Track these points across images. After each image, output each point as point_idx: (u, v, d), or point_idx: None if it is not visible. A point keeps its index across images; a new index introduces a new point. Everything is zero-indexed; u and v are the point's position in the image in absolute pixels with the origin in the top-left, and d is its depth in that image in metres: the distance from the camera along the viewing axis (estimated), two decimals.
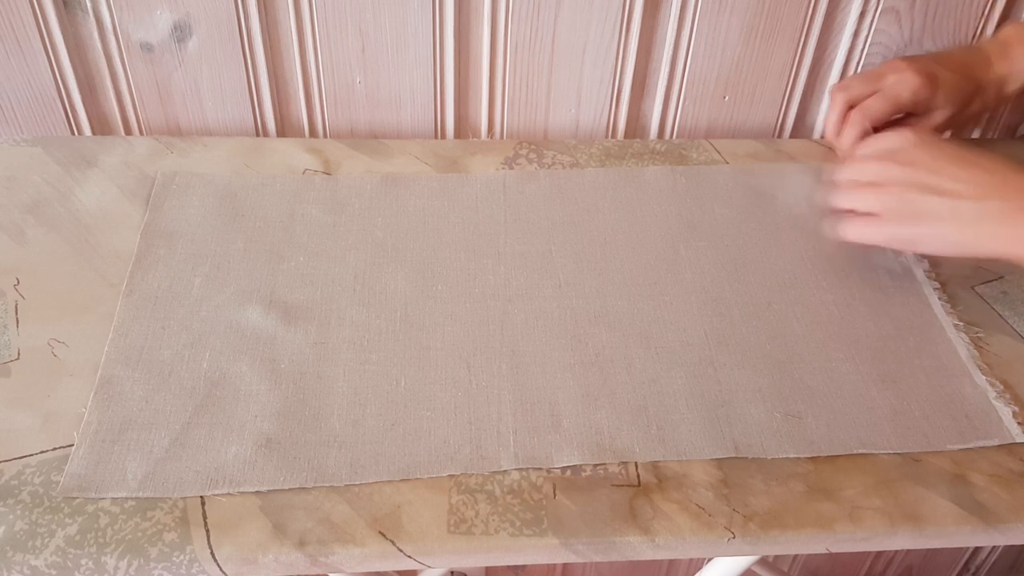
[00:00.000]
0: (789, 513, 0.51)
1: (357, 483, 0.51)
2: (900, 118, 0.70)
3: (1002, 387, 0.58)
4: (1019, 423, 0.56)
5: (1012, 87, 0.69)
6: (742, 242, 0.68)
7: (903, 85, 0.67)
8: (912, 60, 0.68)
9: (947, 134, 0.74)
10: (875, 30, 0.76)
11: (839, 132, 0.69)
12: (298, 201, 0.69)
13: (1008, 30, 0.71)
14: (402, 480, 0.51)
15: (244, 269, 0.63)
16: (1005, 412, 0.56)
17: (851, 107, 0.69)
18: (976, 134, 0.86)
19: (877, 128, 0.68)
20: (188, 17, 0.71)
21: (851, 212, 0.63)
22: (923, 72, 0.67)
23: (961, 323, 0.62)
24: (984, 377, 0.58)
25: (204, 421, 0.54)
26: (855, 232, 0.62)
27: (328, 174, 0.71)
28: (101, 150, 0.72)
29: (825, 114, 0.72)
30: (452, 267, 0.64)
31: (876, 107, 0.68)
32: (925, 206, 0.57)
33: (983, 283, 0.66)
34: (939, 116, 0.69)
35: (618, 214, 0.69)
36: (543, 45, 0.75)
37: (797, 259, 0.66)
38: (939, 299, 0.63)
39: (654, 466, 0.53)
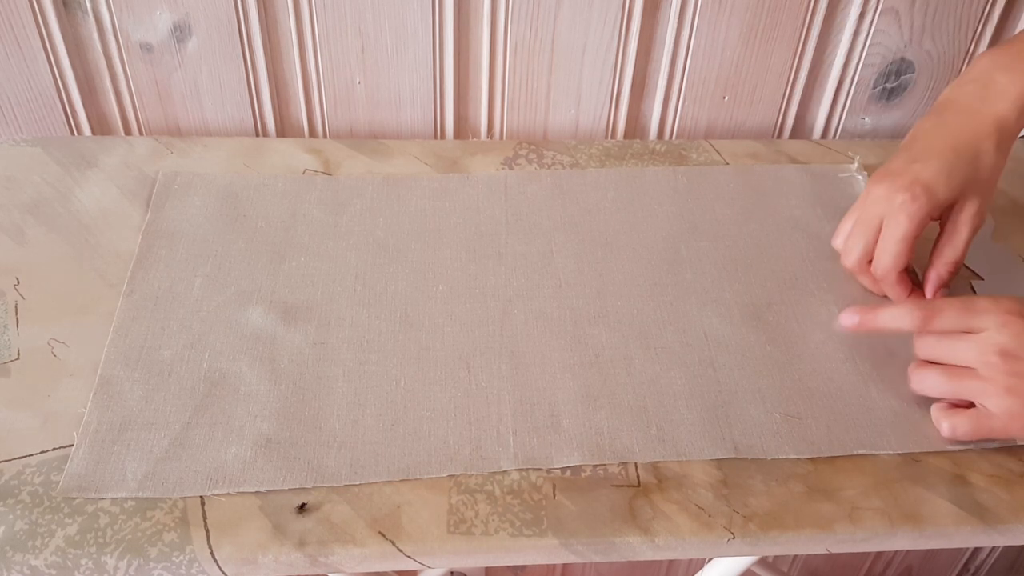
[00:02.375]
0: (789, 514, 0.51)
1: (357, 483, 0.51)
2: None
3: None
4: None
5: (1021, 122, 0.60)
6: (742, 243, 0.68)
7: (896, 217, 0.58)
8: (886, 177, 0.60)
9: None
10: (875, 30, 0.77)
11: (879, 288, 0.63)
12: (299, 201, 0.69)
13: (981, 62, 0.61)
14: (402, 480, 0.51)
15: (245, 269, 0.63)
16: None
17: (869, 261, 0.62)
18: None
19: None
20: (188, 17, 0.71)
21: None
22: (903, 187, 0.58)
23: None
24: None
25: (204, 421, 0.54)
26: (961, 431, 0.54)
27: (328, 174, 0.71)
28: (101, 150, 0.72)
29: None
30: (452, 267, 0.64)
31: (891, 259, 0.59)
32: None
33: (981, 279, 0.66)
34: (969, 206, 0.59)
35: (619, 215, 0.69)
36: (543, 45, 0.75)
37: (797, 260, 0.66)
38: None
39: (654, 466, 0.53)
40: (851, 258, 0.62)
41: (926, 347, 0.56)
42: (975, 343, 0.53)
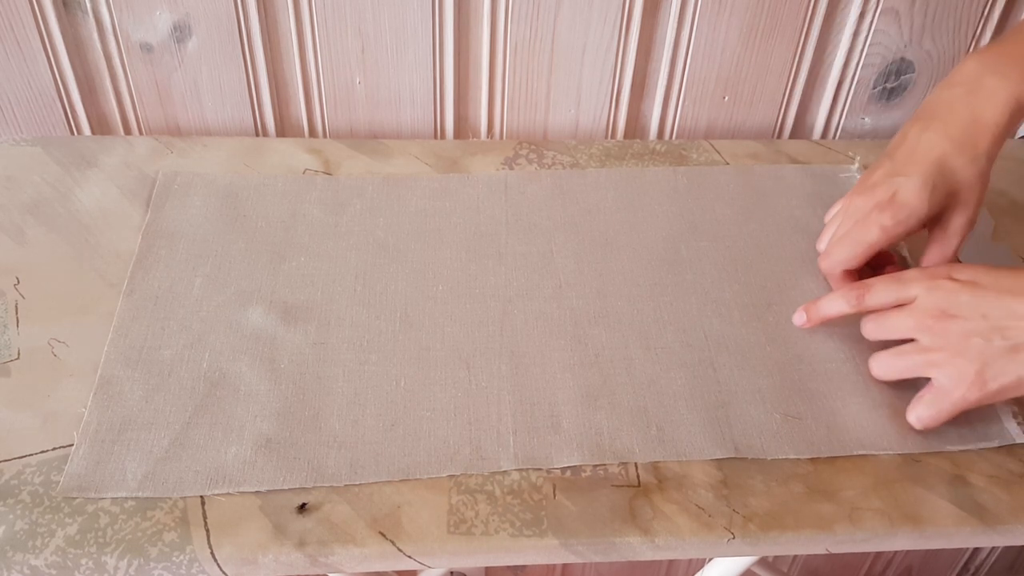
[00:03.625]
0: (789, 514, 0.51)
1: (357, 483, 0.51)
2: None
3: None
4: (1019, 424, 0.56)
5: (1013, 125, 0.58)
6: (743, 243, 0.68)
7: (880, 233, 0.58)
8: (866, 191, 0.59)
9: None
10: (875, 30, 0.77)
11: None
12: (299, 201, 0.69)
13: (968, 64, 0.60)
14: (402, 480, 0.51)
15: (245, 269, 0.63)
16: (1005, 412, 0.56)
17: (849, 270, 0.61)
18: None
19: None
20: (188, 17, 0.71)
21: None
22: (884, 205, 0.58)
23: None
24: None
25: (204, 421, 0.54)
26: (926, 418, 0.54)
27: (328, 174, 0.71)
28: (101, 150, 0.72)
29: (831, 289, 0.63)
30: (453, 267, 0.64)
31: (841, 255, 0.60)
32: (996, 354, 0.51)
33: None
34: (958, 220, 0.59)
35: (619, 215, 0.69)
36: (543, 45, 0.75)
37: (798, 260, 0.66)
38: None
39: (654, 467, 0.53)
40: (827, 263, 0.62)
41: (869, 330, 0.57)
42: (909, 311, 0.54)
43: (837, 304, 0.58)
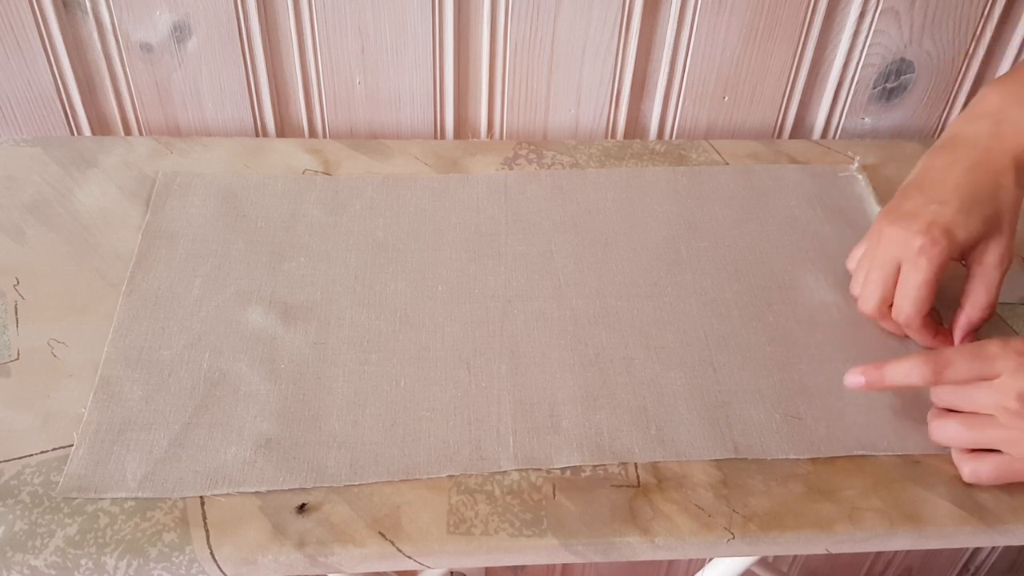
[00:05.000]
0: (789, 514, 0.51)
1: (357, 483, 0.51)
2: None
3: None
4: None
5: None
6: (743, 243, 0.68)
7: (922, 262, 0.56)
8: (901, 218, 0.58)
9: None
10: (875, 30, 0.76)
11: (902, 333, 0.60)
12: (299, 201, 0.69)
13: (990, 96, 0.59)
14: (402, 480, 0.51)
15: (244, 269, 0.63)
16: None
17: (889, 305, 0.59)
18: None
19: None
20: (188, 17, 0.71)
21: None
22: (922, 231, 0.56)
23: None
24: None
25: (204, 421, 0.54)
26: (984, 476, 0.52)
27: (328, 174, 0.71)
28: (101, 150, 0.72)
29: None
30: (452, 268, 0.64)
31: (914, 306, 0.57)
32: None
33: None
34: (994, 252, 0.57)
35: (619, 215, 0.69)
36: (543, 45, 0.75)
37: (797, 260, 0.66)
38: None
39: (654, 467, 0.53)
40: (869, 305, 0.59)
41: (942, 396, 0.54)
42: (992, 390, 0.51)
43: (909, 376, 0.52)
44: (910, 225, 0.57)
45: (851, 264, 0.64)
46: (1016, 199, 0.57)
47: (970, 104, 0.60)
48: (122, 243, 0.64)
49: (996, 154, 0.57)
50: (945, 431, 0.53)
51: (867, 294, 0.59)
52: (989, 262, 0.57)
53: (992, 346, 0.51)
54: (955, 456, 0.53)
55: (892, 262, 0.58)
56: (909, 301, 0.57)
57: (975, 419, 0.52)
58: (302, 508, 0.50)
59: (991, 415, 0.51)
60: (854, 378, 0.54)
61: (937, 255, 0.56)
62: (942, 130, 0.86)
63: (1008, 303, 0.64)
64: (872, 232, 0.61)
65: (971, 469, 0.52)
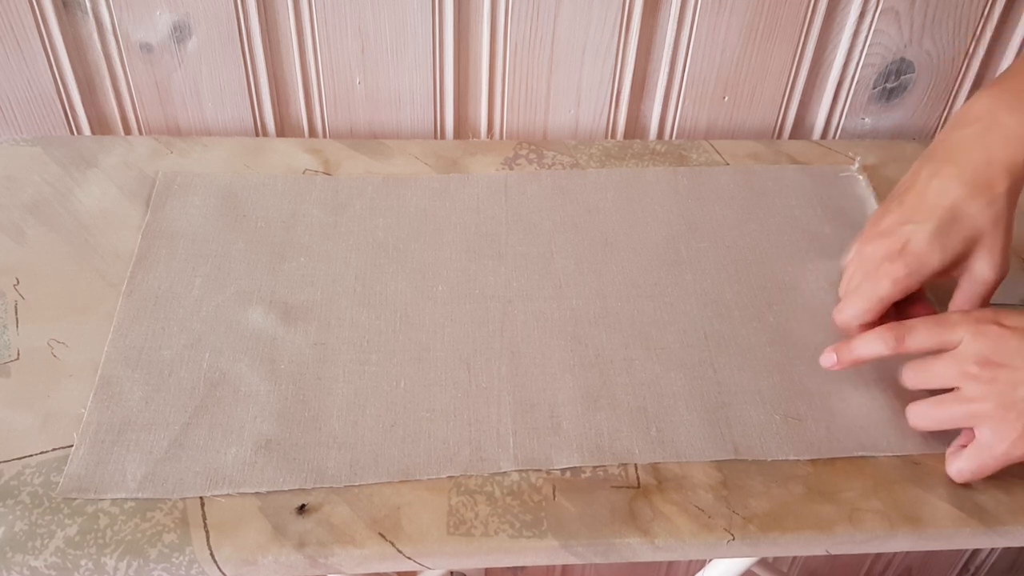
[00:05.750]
0: (789, 515, 0.51)
1: (357, 484, 0.51)
2: None
3: None
4: None
5: None
6: (743, 243, 0.67)
7: (892, 286, 0.56)
8: (876, 238, 0.57)
9: None
10: (875, 30, 0.76)
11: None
12: (299, 201, 0.68)
13: (980, 102, 0.57)
14: (402, 481, 0.51)
15: (244, 269, 0.63)
16: None
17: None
18: None
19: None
20: (188, 17, 0.71)
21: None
22: (893, 256, 0.56)
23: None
24: None
25: (204, 422, 0.54)
26: (964, 471, 0.52)
27: (328, 174, 0.71)
28: (101, 150, 0.72)
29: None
30: (452, 268, 0.64)
31: (853, 312, 0.58)
32: None
33: None
34: (982, 265, 0.56)
35: (619, 215, 0.69)
36: (543, 45, 0.75)
37: (797, 261, 0.66)
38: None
39: (654, 468, 0.53)
40: (847, 321, 0.59)
41: (909, 379, 0.54)
42: (952, 357, 0.51)
43: (874, 345, 0.54)
44: (882, 245, 0.57)
45: (842, 263, 0.63)
46: (1006, 209, 0.55)
47: (960, 109, 0.58)
48: (122, 243, 0.64)
49: (983, 165, 0.55)
50: (915, 415, 0.54)
51: (844, 308, 0.59)
52: (975, 277, 0.56)
53: (953, 315, 0.53)
54: (946, 461, 0.53)
55: (868, 283, 0.57)
56: (852, 303, 0.58)
57: (941, 398, 0.52)
58: (302, 509, 0.50)
59: (956, 388, 0.51)
60: (827, 357, 0.56)
61: (903, 279, 0.56)
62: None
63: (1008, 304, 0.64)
64: (856, 245, 0.60)
65: (955, 469, 0.52)
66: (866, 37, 0.77)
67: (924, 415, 0.53)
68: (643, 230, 0.68)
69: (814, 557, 1.23)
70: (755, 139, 0.80)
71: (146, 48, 0.73)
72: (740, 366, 0.59)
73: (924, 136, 0.85)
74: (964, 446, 0.52)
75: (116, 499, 0.50)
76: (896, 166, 0.75)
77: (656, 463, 0.53)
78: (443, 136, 0.80)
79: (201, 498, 0.50)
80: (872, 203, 0.71)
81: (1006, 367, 0.49)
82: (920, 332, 0.53)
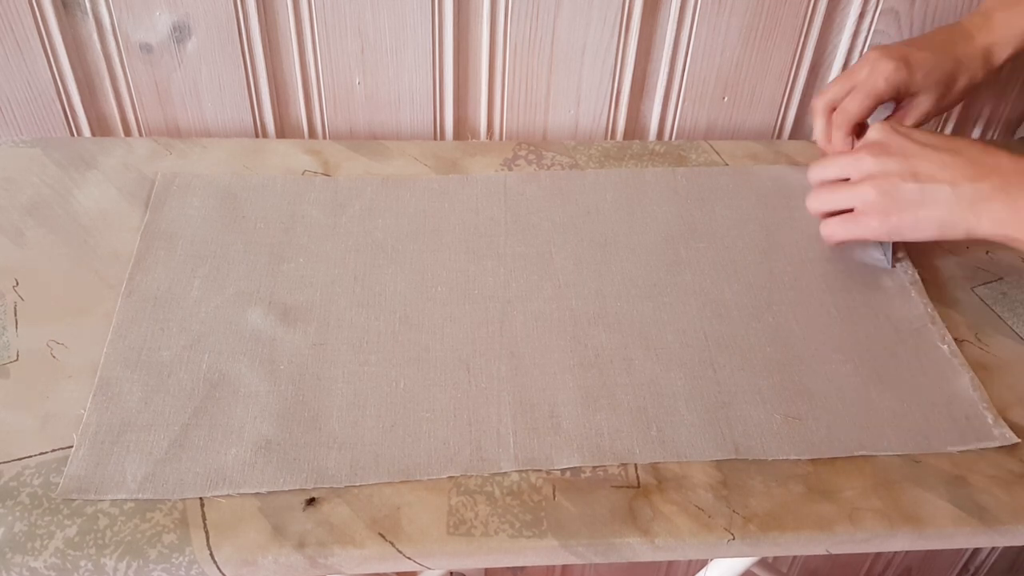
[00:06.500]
0: (789, 514, 0.51)
1: (357, 484, 0.51)
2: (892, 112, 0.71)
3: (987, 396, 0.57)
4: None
5: (999, 57, 0.68)
6: (742, 244, 0.67)
7: (876, 74, 0.67)
8: (885, 48, 0.68)
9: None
10: (874, 31, 0.76)
11: (829, 138, 0.70)
12: (298, 202, 0.68)
13: (988, 1, 0.70)
14: (402, 481, 0.51)
15: (244, 270, 0.63)
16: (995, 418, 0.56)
17: (833, 110, 0.69)
18: (976, 134, 0.86)
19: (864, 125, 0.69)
20: (187, 18, 0.71)
21: (833, 213, 0.64)
22: (895, 57, 0.67)
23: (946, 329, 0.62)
24: (971, 379, 0.58)
25: (203, 422, 0.53)
26: (836, 232, 0.63)
27: (327, 175, 0.71)
28: (100, 151, 0.72)
29: (813, 126, 0.73)
30: (452, 269, 0.64)
31: (854, 105, 0.68)
32: (901, 194, 0.58)
33: (983, 284, 0.66)
34: (925, 101, 0.68)
35: (618, 216, 0.69)
36: (542, 46, 0.75)
37: (797, 261, 0.66)
38: (924, 305, 0.63)
39: (654, 467, 0.53)
40: (823, 97, 0.70)
41: (817, 172, 0.65)
42: (853, 151, 0.62)
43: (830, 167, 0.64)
44: (887, 51, 0.67)
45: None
46: (970, 82, 0.68)
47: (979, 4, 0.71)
48: (121, 244, 0.64)
49: (973, 43, 0.68)
50: (812, 199, 0.65)
51: (827, 87, 0.70)
52: (911, 107, 0.69)
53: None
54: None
55: (857, 71, 0.68)
56: (853, 102, 0.68)
57: (838, 184, 0.63)
58: (311, 502, 0.50)
59: (849, 178, 0.62)
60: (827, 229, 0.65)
61: (895, 79, 0.66)
62: (942, 131, 0.86)
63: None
64: (861, 58, 0.72)
65: (828, 230, 0.64)
66: (866, 37, 0.77)
67: (819, 198, 0.64)
68: (642, 230, 0.68)
69: (814, 557, 1.23)
70: (755, 140, 0.80)
71: (146, 48, 0.73)
72: (740, 366, 0.59)
73: None
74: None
75: (116, 500, 0.50)
76: None
77: (656, 463, 0.53)
78: (442, 137, 0.80)
79: (201, 499, 0.50)
80: None
81: (888, 154, 0.60)
82: (843, 112, 0.68)
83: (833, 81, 0.70)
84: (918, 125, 0.69)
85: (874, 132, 0.62)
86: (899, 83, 0.67)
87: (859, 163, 0.61)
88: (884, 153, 0.60)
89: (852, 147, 0.68)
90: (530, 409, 0.55)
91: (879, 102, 0.68)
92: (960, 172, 0.57)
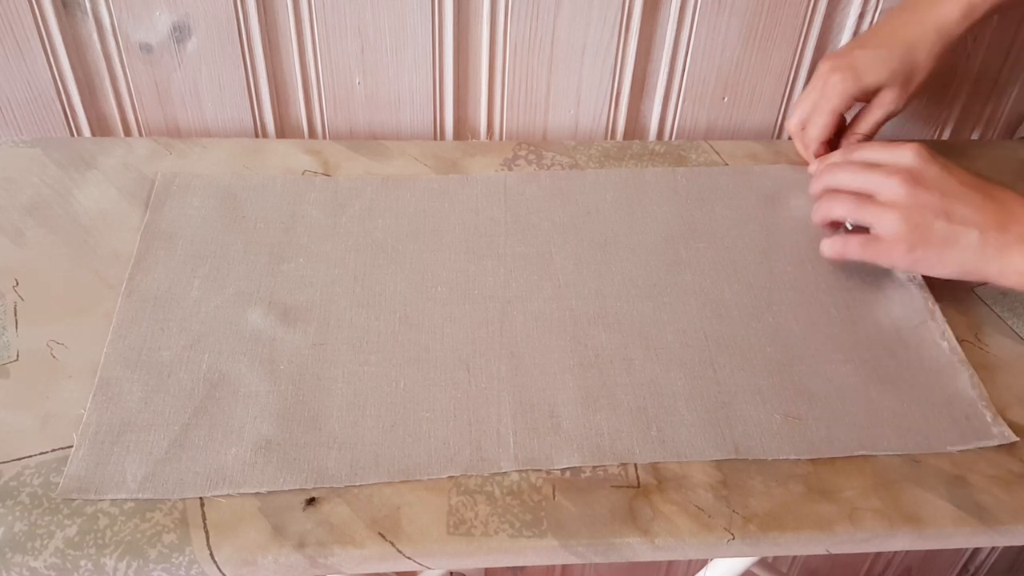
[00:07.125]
0: (789, 514, 0.51)
1: (357, 484, 0.51)
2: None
3: (987, 396, 0.57)
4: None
5: (951, 22, 0.65)
6: (742, 244, 0.67)
7: (828, 90, 0.68)
8: (833, 57, 0.68)
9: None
10: None
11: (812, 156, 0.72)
12: (298, 202, 0.68)
13: None
14: (402, 481, 0.51)
15: (244, 270, 0.63)
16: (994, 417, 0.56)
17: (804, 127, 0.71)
18: (975, 135, 0.87)
19: (834, 137, 0.71)
20: (187, 18, 0.71)
21: (836, 224, 0.65)
22: (841, 67, 0.67)
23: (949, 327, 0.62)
24: (970, 377, 0.58)
25: (203, 422, 0.54)
26: (850, 251, 0.62)
27: (327, 175, 0.71)
28: (100, 151, 0.72)
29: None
30: (452, 269, 0.64)
31: (816, 130, 0.69)
32: (931, 231, 0.57)
33: (982, 284, 0.66)
34: (888, 94, 0.68)
35: (618, 216, 0.69)
36: (542, 46, 0.75)
37: (797, 261, 0.66)
38: (928, 304, 0.63)
39: (654, 467, 0.53)
40: (790, 122, 0.72)
41: (837, 176, 0.63)
42: (883, 169, 0.60)
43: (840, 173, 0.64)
44: (834, 62, 0.68)
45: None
46: (928, 58, 0.66)
47: None
48: (121, 244, 0.64)
49: (925, 18, 0.66)
50: (834, 203, 0.63)
51: (791, 112, 0.71)
52: (876, 103, 0.68)
53: (902, 143, 0.61)
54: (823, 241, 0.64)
55: (813, 88, 0.69)
56: (814, 126, 0.69)
57: (861, 196, 0.61)
58: (311, 501, 0.50)
59: (875, 193, 0.60)
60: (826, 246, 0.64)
61: (844, 90, 0.67)
62: (942, 131, 0.86)
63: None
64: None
65: (831, 243, 0.63)
66: None
67: (832, 209, 0.63)
68: (642, 230, 0.68)
69: (814, 557, 1.23)
70: (754, 140, 0.80)
71: (146, 48, 0.73)
72: (740, 366, 0.59)
73: (924, 137, 0.85)
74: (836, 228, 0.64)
75: (116, 500, 0.50)
76: None
77: (656, 463, 0.53)
78: (442, 137, 0.80)
79: (201, 498, 0.50)
80: None
81: (923, 187, 0.58)
82: (872, 147, 0.63)
83: (797, 101, 0.71)
84: (888, 118, 0.69)
85: (908, 156, 0.60)
86: (852, 92, 0.67)
87: (888, 185, 0.59)
88: (918, 184, 0.58)
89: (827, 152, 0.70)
90: (530, 409, 0.55)
91: (839, 116, 0.69)
92: (991, 218, 0.56)
